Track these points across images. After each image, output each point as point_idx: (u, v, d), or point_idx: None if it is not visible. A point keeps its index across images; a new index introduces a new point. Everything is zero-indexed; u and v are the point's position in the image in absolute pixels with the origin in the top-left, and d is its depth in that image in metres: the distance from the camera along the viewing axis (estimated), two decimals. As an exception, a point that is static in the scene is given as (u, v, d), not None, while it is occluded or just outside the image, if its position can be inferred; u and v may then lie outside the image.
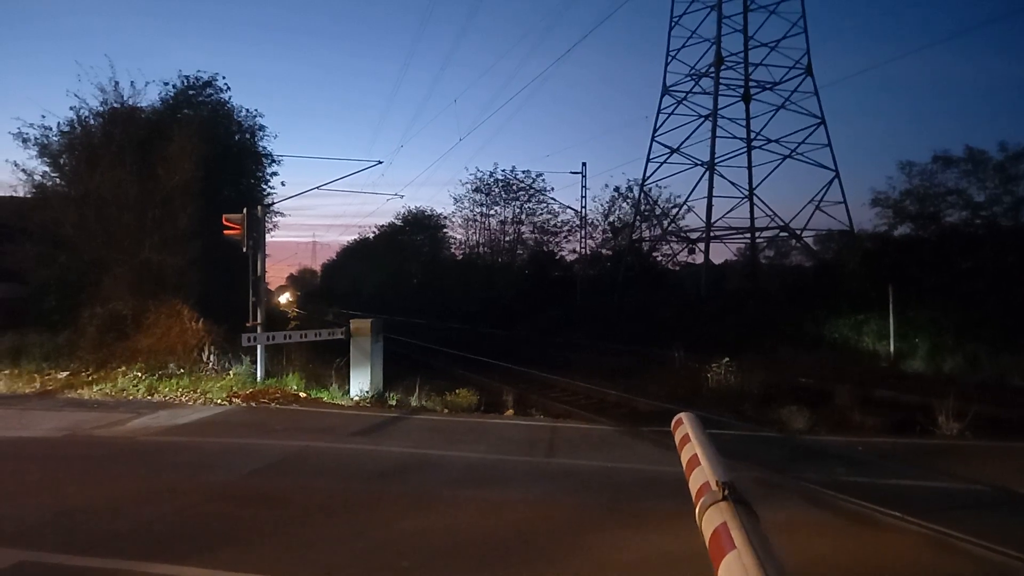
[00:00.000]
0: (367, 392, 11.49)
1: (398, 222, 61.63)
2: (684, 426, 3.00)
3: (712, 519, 1.88)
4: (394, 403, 11.15)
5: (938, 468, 7.07)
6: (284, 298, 68.97)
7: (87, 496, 5.87)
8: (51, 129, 16.61)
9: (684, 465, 2.67)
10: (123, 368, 12.48)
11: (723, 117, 33.25)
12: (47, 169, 16.78)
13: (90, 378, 12.30)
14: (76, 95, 16.52)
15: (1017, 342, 15.64)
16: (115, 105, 16.48)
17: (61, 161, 17.08)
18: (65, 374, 12.72)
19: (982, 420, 9.11)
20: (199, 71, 19.51)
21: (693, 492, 2.29)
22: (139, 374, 12.15)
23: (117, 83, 16.52)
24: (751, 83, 33.95)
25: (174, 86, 18.93)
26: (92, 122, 16.72)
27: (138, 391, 11.44)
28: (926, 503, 5.66)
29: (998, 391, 12.84)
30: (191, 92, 19.29)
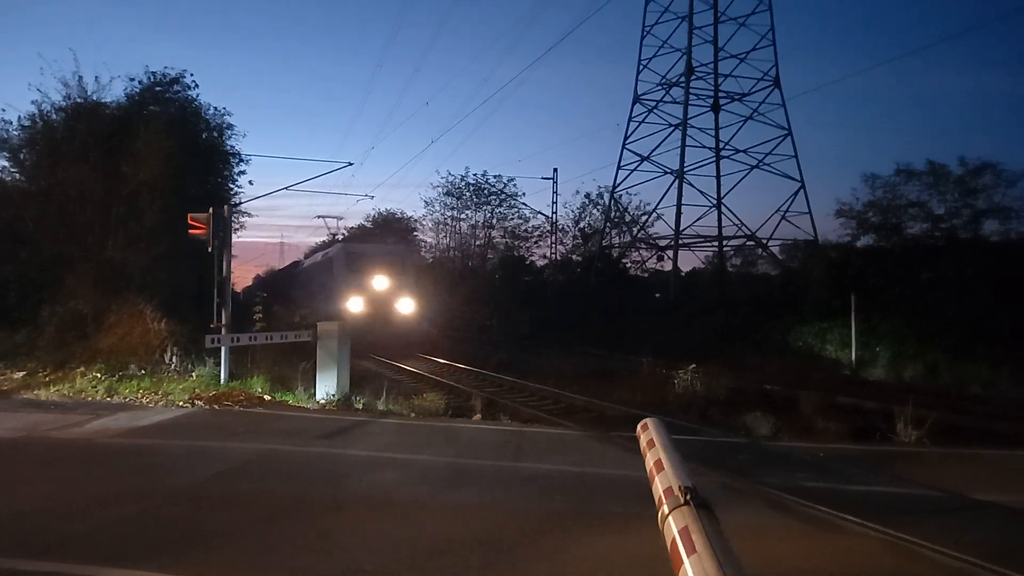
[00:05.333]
0: (333, 395, 11.39)
1: (368, 224, 61.21)
2: (649, 431, 3.01)
3: (674, 523, 1.89)
4: (361, 407, 11.06)
5: (897, 474, 7.21)
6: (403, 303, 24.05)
7: (43, 499, 5.74)
8: (11, 123, 16.27)
9: (648, 469, 2.68)
10: (82, 369, 12.20)
11: (693, 126, 33.71)
12: (6, 164, 16.47)
13: (48, 379, 12.00)
14: (38, 89, 16.25)
15: (975, 351, 16.04)
16: (78, 100, 16.21)
17: (22, 156, 16.74)
18: (22, 374, 12.40)
19: (940, 427, 9.31)
20: (166, 68, 19.14)
21: (656, 496, 2.30)
22: (98, 375, 11.87)
23: (81, 77, 16.25)
24: (720, 94, 34.46)
25: (140, 82, 18.59)
26: (54, 117, 16.43)
27: (97, 392, 11.19)
28: (885, 508, 5.76)
29: (956, 399, 13.13)
30: (158, 89, 18.97)
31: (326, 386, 11.56)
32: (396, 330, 22.13)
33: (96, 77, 16.79)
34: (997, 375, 14.97)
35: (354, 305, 21.45)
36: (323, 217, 38.79)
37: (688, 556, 1.67)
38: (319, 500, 5.88)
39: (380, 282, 22.38)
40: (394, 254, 25.47)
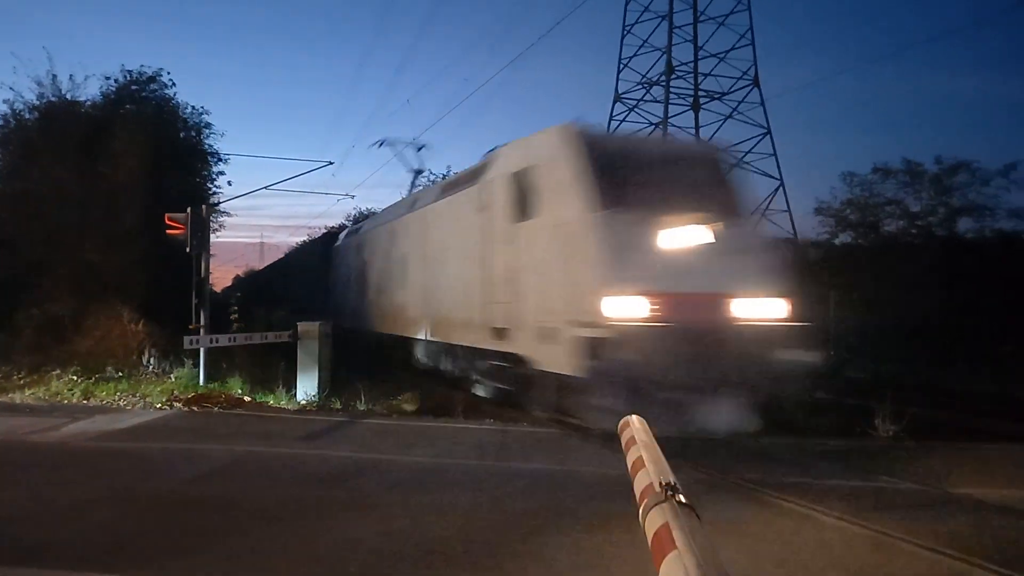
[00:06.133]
0: (314, 396, 11.32)
1: (348, 224, 60.75)
2: (630, 428, 3.03)
3: (654, 520, 1.89)
4: (341, 407, 10.99)
5: (875, 468, 7.28)
6: None
7: (18, 504, 5.65)
8: (-17, 123, 16.01)
9: (629, 466, 2.69)
10: (58, 371, 12.02)
11: (673, 125, 33.95)
12: (-22, 166, 16.18)
13: (22, 382, 11.83)
14: (11, 88, 16.02)
15: (951, 348, 16.26)
16: (53, 99, 15.98)
17: (-6, 157, 16.46)
18: (-4, 378, 12.21)
19: (918, 422, 9.41)
20: (143, 66, 18.87)
21: (637, 493, 2.31)
22: (75, 378, 11.72)
23: (55, 76, 16.01)
24: (700, 92, 34.71)
25: (116, 81, 18.29)
26: (28, 116, 16.17)
27: (73, 395, 11.05)
28: (864, 502, 5.82)
29: (934, 395, 13.28)
30: (134, 88, 18.68)
31: (306, 387, 11.48)
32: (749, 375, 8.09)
33: (71, 76, 16.53)
34: (974, 371, 15.19)
35: (625, 306, 7.84)
36: (386, 143, 22.03)
37: (669, 552, 1.67)
38: (301, 502, 5.83)
39: (691, 236, 8.28)
40: (713, 165, 9.82)
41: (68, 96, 16.25)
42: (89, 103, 16.83)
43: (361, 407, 10.89)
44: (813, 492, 6.04)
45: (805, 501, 5.74)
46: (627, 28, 35.80)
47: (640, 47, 35.18)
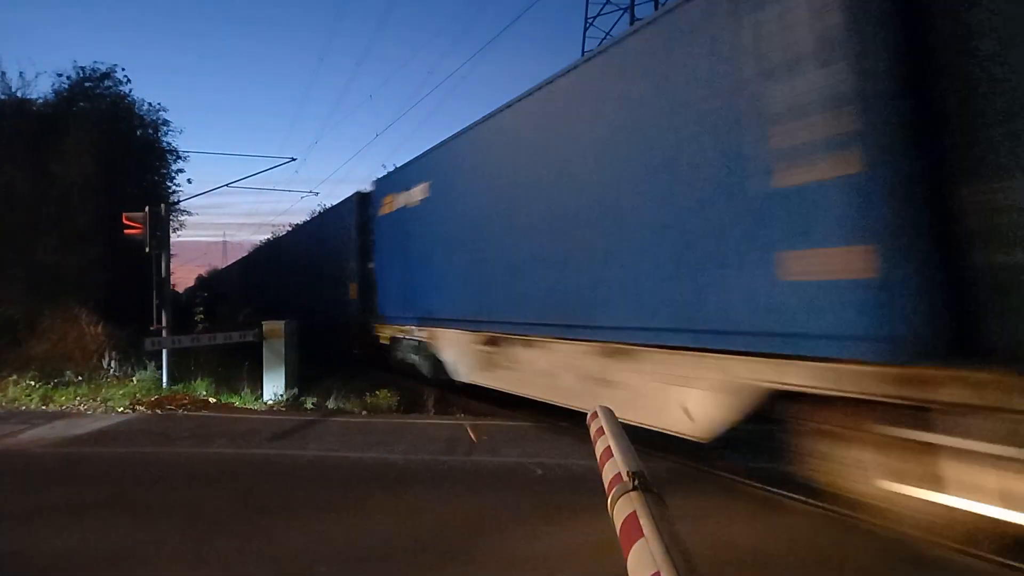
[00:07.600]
0: (281, 395, 11.19)
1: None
2: (599, 419, 3.03)
3: (622, 509, 1.89)
4: (310, 406, 10.89)
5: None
6: None
7: (-28, 514, 5.48)
8: (-71, 122, 15.48)
9: (598, 457, 2.69)
10: (15, 377, 11.71)
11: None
12: (-74, 165, 15.63)
13: (-23, 388, 11.50)
14: None
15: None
16: (2, 97, 15.55)
17: (-58, 156, 15.91)
18: (-51, 385, 11.85)
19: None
20: (96, 62, 18.49)
21: (606, 483, 2.31)
22: (33, 383, 11.43)
23: (4, 73, 15.61)
24: (663, 84, 34.94)
25: (68, 78, 17.87)
26: (-24, 115, 15.70)
27: (32, 401, 10.77)
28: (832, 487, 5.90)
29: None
30: (88, 84, 18.25)
31: (274, 386, 11.35)
32: None
33: (21, 73, 16.14)
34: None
35: None
36: None
37: (636, 541, 1.67)
38: (267, 503, 5.75)
39: None
40: None
41: (19, 94, 15.84)
42: (41, 101, 16.44)
43: (331, 405, 10.80)
44: (781, 477, 6.11)
45: (773, 487, 5.82)
46: (589, 20, 35.95)
47: (603, 39, 35.32)
